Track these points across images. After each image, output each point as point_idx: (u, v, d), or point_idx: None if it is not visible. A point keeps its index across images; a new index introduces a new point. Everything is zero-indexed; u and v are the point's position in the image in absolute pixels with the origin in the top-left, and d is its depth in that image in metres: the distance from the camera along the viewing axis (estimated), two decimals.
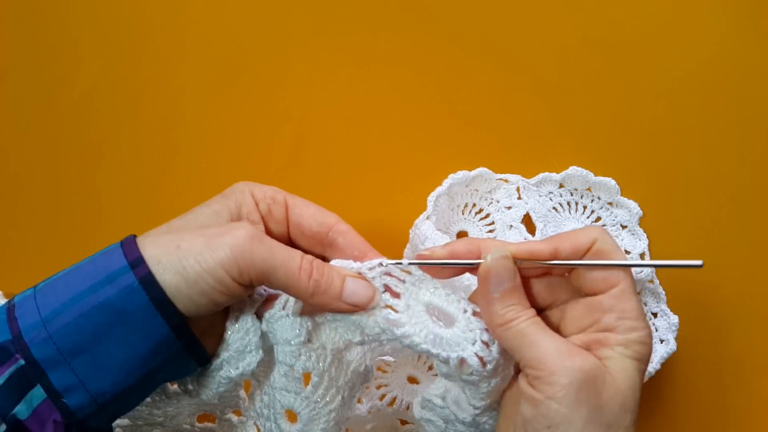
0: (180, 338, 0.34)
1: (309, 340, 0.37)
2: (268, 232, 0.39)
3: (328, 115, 0.52)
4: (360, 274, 0.36)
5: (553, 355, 0.32)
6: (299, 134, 0.52)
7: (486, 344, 0.34)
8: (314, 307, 0.36)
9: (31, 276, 0.51)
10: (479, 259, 0.35)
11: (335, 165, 0.52)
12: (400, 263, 0.37)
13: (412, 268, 0.37)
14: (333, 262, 0.37)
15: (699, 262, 0.33)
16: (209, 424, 0.46)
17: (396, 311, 0.35)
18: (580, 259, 0.35)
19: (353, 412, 0.47)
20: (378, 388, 0.50)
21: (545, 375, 0.32)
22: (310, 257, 0.35)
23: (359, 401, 0.49)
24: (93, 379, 0.32)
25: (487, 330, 0.35)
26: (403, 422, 0.51)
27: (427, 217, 0.47)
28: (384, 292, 0.36)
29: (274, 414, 0.38)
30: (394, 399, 0.50)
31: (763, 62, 0.50)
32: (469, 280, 0.42)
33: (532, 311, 0.35)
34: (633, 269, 0.48)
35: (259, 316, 0.38)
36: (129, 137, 0.52)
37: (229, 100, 0.52)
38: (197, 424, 0.45)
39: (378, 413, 0.49)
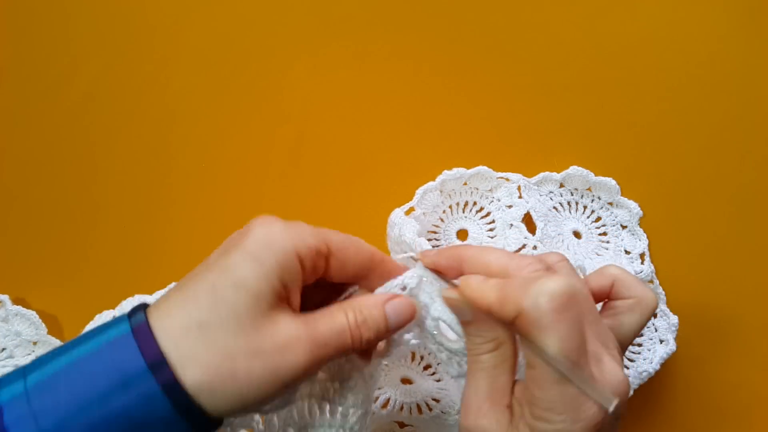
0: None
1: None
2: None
3: (329, 114, 0.52)
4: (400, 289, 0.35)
5: (464, 405, 0.32)
6: (299, 134, 0.52)
7: None
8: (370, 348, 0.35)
9: (31, 276, 0.52)
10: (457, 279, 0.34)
11: (336, 164, 0.52)
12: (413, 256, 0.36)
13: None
14: (378, 290, 0.35)
15: (611, 407, 0.28)
16: None
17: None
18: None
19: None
20: None
21: (459, 422, 0.32)
22: (352, 316, 0.32)
23: None
24: None
25: None
26: (402, 425, 0.51)
27: (408, 210, 0.48)
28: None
29: None
30: (387, 400, 0.50)
31: (763, 62, 0.50)
32: None
33: (487, 347, 0.32)
34: (632, 269, 0.48)
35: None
36: (128, 137, 0.52)
37: (229, 100, 0.52)
38: None
39: (372, 416, 0.49)
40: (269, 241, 0.31)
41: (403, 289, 0.35)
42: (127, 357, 0.27)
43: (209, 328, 0.28)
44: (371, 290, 0.36)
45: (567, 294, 0.28)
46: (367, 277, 0.35)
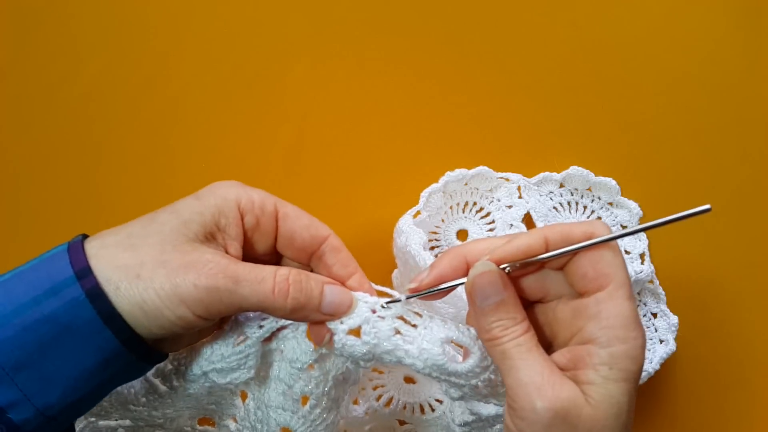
0: (131, 351, 0.32)
1: (312, 367, 0.36)
2: (250, 246, 0.36)
3: (328, 114, 0.52)
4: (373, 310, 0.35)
5: (525, 387, 0.30)
6: (299, 134, 0.52)
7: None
8: (296, 319, 0.35)
9: None
10: (467, 272, 0.33)
11: (335, 165, 0.52)
12: (397, 300, 0.35)
13: (420, 308, 0.36)
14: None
15: (707, 207, 0.29)
16: (209, 428, 0.46)
17: (410, 353, 0.34)
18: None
19: (351, 414, 0.47)
20: (374, 389, 0.50)
21: (518, 408, 0.30)
22: (285, 272, 0.33)
23: (356, 402, 0.49)
24: (39, 393, 0.30)
25: None
26: (401, 422, 0.51)
27: (416, 214, 0.48)
28: (395, 335, 0.34)
29: (269, 431, 0.37)
30: (390, 399, 0.50)
31: (763, 62, 0.50)
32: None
33: (521, 327, 0.32)
34: (632, 270, 0.48)
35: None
36: (129, 137, 0.52)
37: (229, 101, 0.52)
38: (198, 426, 0.45)
39: (375, 414, 0.49)
40: (215, 188, 0.35)
41: (373, 312, 0.34)
42: (58, 268, 0.31)
43: (134, 238, 0.32)
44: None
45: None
46: (320, 258, 0.36)
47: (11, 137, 0.52)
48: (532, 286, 0.34)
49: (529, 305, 0.35)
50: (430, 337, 0.33)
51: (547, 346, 0.34)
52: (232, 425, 0.45)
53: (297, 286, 0.33)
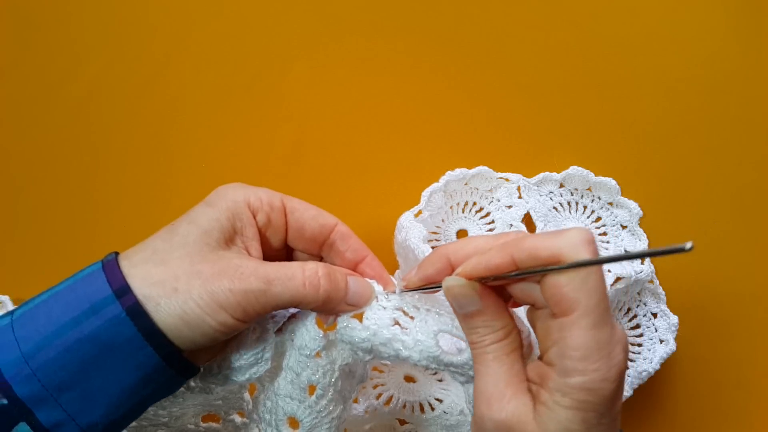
0: (172, 366, 0.32)
1: (319, 355, 0.37)
2: (266, 244, 0.37)
3: (329, 115, 0.52)
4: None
5: (480, 396, 0.32)
6: (299, 134, 0.52)
7: None
8: (326, 311, 0.36)
9: (30, 276, 0.52)
10: (451, 273, 0.34)
11: (336, 164, 0.52)
12: (394, 293, 0.37)
13: (419, 301, 0.37)
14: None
15: (688, 245, 0.24)
16: (213, 425, 0.46)
17: (406, 344, 0.35)
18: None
19: (350, 412, 0.47)
20: (374, 387, 0.50)
21: (473, 415, 0.32)
22: (313, 266, 0.34)
23: (356, 401, 0.49)
24: (82, 412, 0.31)
25: None
26: (402, 422, 0.51)
27: (417, 213, 0.48)
28: (394, 325, 0.35)
29: (276, 420, 0.38)
30: (390, 398, 0.50)
31: (763, 62, 0.50)
32: None
33: (497, 335, 0.32)
34: (632, 270, 0.48)
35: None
36: (129, 137, 0.52)
37: (229, 101, 0.52)
38: (201, 424, 0.45)
39: (375, 413, 0.49)
40: (223, 193, 0.36)
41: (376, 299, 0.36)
42: (96, 287, 0.31)
43: (161, 253, 0.33)
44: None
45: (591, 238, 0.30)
46: (331, 247, 0.38)
47: (11, 137, 0.52)
48: (519, 295, 0.33)
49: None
50: (425, 329, 0.35)
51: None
52: (238, 419, 0.45)
53: (327, 278, 0.34)
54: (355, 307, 0.35)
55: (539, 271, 0.30)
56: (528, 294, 0.32)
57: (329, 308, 0.35)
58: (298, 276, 0.34)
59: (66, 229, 0.52)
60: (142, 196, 0.52)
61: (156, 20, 0.52)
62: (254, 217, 0.36)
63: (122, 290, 0.31)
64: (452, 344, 0.35)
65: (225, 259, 0.33)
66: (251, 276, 0.33)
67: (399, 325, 0.35)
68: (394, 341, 0.34)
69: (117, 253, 0.34)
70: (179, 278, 0.32)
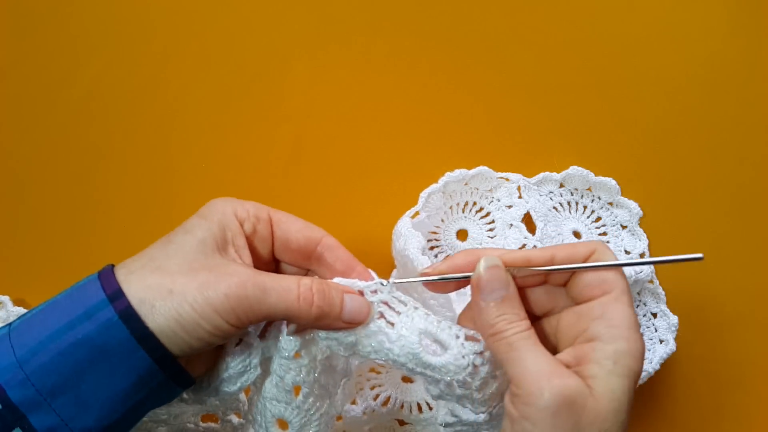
0: (164, 370, 0.33)
1: (298, 355, 0.37)
2: (254, 253, 0.38)
3: (328, 115, 0.52)
4: (360, 291, 0.36)
5: (533, 375, 0.31)
6: (299, 134, 0.52)
7: (476, 367, 0.35)
8: (320, 327, 0.36)
9: (30, 276, 0.52)
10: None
11: (335, 165, 0.52)
12: (383, 282, 0.37)
13: (406, 296, 0.37)
14: (336, 280, 0.37)
15: (699, 255, 0.33)
16: (212, 425, 0.46)
17: (390, 338, 0.35)
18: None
19: (338, 410, 0.47)
20: (372, 388, 0.50)
21: (523, 395, 0.31)
22: (308, 281, 0.35)
23: (353, 402, 0.49)
24: (76, 417, 0.31)
25: (480, 353, 0.35)
26: (401, 422, 0.51)
27: (414, 215, 0.48)
28: (379, 318, 0.36)
29: (266, 422, 0.38)
30: (387, 398, 0.50)
31: (763, 62, 0.50)
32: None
33: (525, 323, 0.34)
34: (632, 269, 0.48)
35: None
36: (129, 137, 0.52)
37: (229, 101, 0.52)
38: (201, 423, 0.46)
39: (373, 414, 0.49)
40: (213, 205, 0.37)
41: (374, 292, 0.36)
42: (90, 294, 0.32)
43: (158, 260, 0.34)
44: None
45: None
46: (319, 259, 0.38)
47: (11, 137, 0.52)
48: (540, 299, 0.36)
49: (534, 320, 0.37)
50: (410, 326, 0.35)
51: (552, 353, 0.35)
52: (236, 420, 0.45)
53: (320, 294, 0.34)
54: (352, 324, 0.35)
55: (573, 267, 0.34)
56: (551, 298, 0.36)
57: (324, 325, 0.35)
58: (293, 289, 0.34)
59: (66, 229, 0.52)
60: (142, 196, 0.52)
61: (156, 20, 0.52)
62: (241, 227, 0.37)
63: (115, 295, 0.32)
64: (432, 351, 0.35)
65: (222, 265, 0.34)
66: (247, 282, 0.33)
67: (384, 318, 0.36)
68: (379, 334, 0.35)
69: (113, 265, 0.34)
70: (175, 281, 0.32)
